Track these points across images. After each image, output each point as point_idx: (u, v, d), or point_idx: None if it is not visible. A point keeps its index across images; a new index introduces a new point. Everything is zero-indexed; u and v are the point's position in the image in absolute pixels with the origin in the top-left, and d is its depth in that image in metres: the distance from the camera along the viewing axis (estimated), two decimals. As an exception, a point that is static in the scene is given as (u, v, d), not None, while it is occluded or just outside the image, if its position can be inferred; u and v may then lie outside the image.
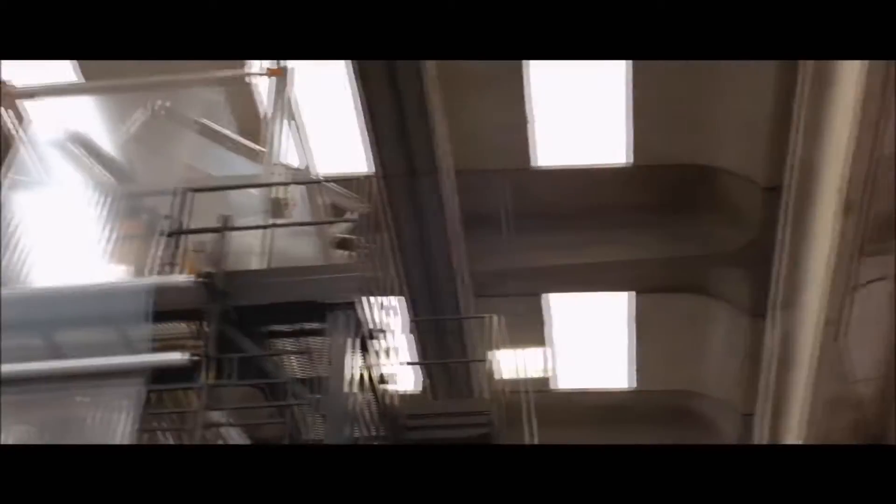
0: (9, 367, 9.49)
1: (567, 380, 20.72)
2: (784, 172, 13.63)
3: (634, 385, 20.55)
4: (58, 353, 9.71)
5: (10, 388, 9.47)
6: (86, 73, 14.94)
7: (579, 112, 15.75)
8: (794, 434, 14.66)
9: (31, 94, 12.51)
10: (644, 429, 20.72)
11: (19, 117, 12.46)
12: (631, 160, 16.27)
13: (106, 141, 12.02)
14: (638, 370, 20.21)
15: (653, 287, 18.36)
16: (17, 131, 12.26)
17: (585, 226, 17.12)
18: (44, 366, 9.53)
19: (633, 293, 18.70)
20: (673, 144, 15.94)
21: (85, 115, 12.30)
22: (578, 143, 16.24)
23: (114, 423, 9.07)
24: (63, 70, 14.91)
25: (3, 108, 12.22)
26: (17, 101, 12.50)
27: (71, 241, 10.47)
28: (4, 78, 12.33)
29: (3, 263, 10.28)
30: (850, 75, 10.34)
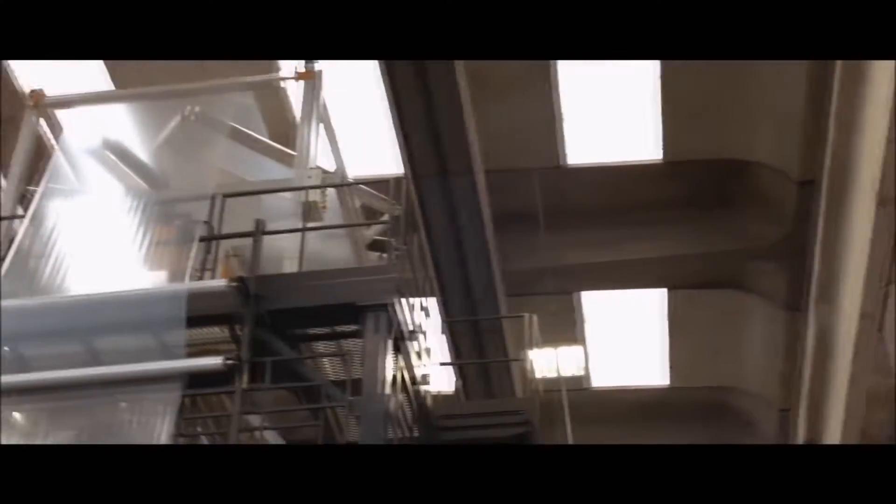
0: (48, 375, 9.60)
1: (602, 378, 20.68)
2: (818, 166, 13.56)
3: (671, 382, 20.47)
4: (96, 360, 9.78)
5: (49, 394, 9.58)
6: (118, 82, 15.07)
7: (610, 109, 15.71)
8: (832, 429, 14.58)
9: (66, 103, 12.61)
10: (681, 425, 20.66)
11: (54, 127, 12.57)
12: (662, 156, 16.20)
13: (139, 148, 12.09)
14: (673, 367, 20.14)
15: (687, 283, 18.29)
16: (52, 140, 12.38)
17: (618, 223, 17.07)
18: (82, 372, 9.61)
19: (668, 290, 18.63)
20: (704, 139, 15.87)
21: (118, 123, 12.38)
22: (609, 140, 16.19)
23: (151, 428, 9.14)
24: (96, 79, 15.06)
25: (38, 118, 12.33)
26: (52, 111, 12.60)
27: (107, 248, 10.55)
28: (39, 88, 12.43)
29: (42, 272, 10.38)
30: (886, 68, 10.26)
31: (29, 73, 15.05)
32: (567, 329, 19.07)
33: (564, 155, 16.32)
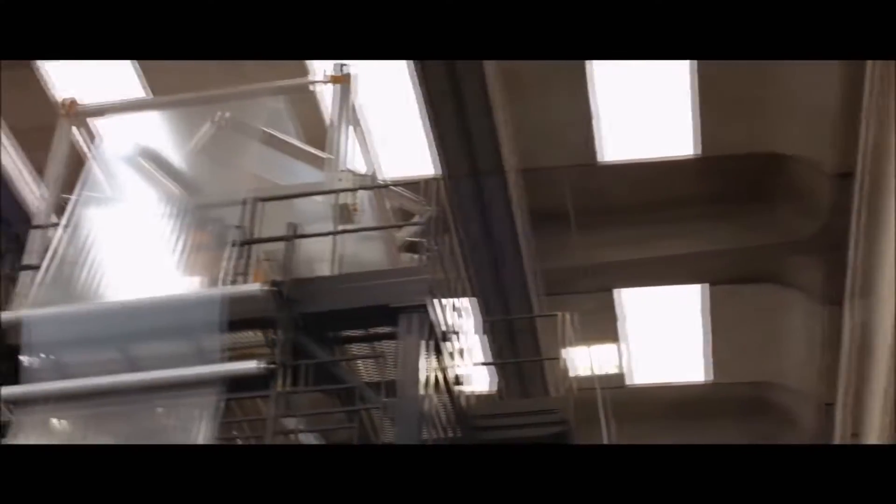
0: (87, 382, 9.69)
1: (642, 375, 20.58)
2: (855, 158, 13.43)
3: (710, 378, 20.35)
4: (133, 366, 9.86)
5: (89, 401, 9.67)
6: (151, 89, 15.19)
7: (644, 104, 15.63)
8: (875, 423, 14.42)
9: (101, 111, 12.72)
10: (722, 422, 20.54)
11: (90, 135, 12.68)
12: (698, 151, 16.11)
13: (173, 154, 12.17)
14: (713, 363, 20.01)
15: (725, 278, 18.18)
16: (88, 149, 12.49)
17: (655, 219, 17.00)
18: (121, 378, 9.69)
19: (706, 285, 18.52)
20: (740, 133, 15.76)
21: (152, 130, 12.47)
22: (644, 136, 16.12)
23: (189, 433, 9.20)
24: (129, 86, 15.18)
25: (74, 127, 12.44)
26: (88, 120, 12.71)
27: (142, 255, 10.63)
28: (71, 97, 12.55)
29: (79, 279, 10.48)
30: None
31: (63, 82, 15.23)
32: (606, 327, 19.01)
33: (599, 152, 16.26)
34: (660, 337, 19.81)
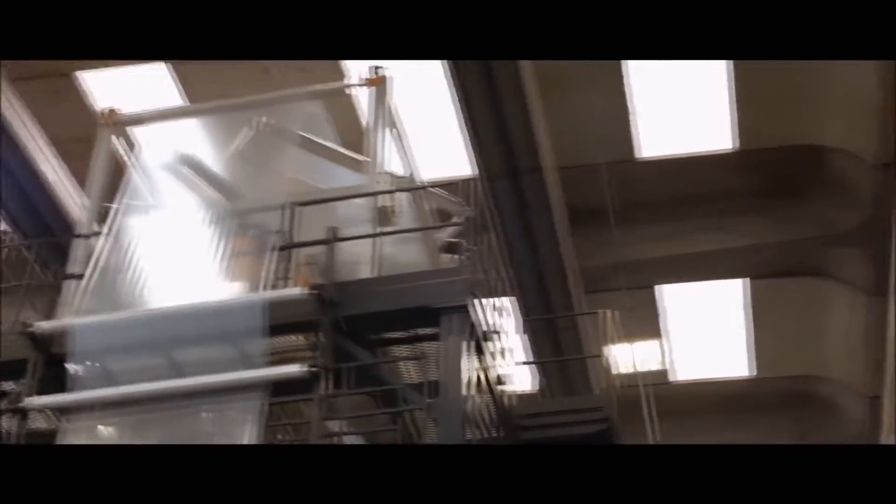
0: (133, 388, 9.76)
1: (685, 371, 20.49)
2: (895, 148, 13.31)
3: (753, 373, 20.22)
4: (178, 372, 9.92)
5: (135, 407, 9.74)
6: (190, 96, 15.31)
7: (681, 99, 15.57)
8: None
9: (140, 120, 12.82)
10: (766, 417, 20.42)
11: (130, 144, 12.79)
12: (737, 145, 16.02)
13: (212, 160, 12.25)
14: (757, 357, 19.89)
15: (767, 272, 18.06)
16: (128, 157, 12.59)
17: (694, 214, 16.92)
18: (166, 384, 9.76)
19: (748, 280, 18.41)
20: (779, 126, 15.66)
21: (191, 137, 12.56)
22: (682, 131, 16.05)
23: (235, 437, 9.24)
24: (167, 94, 15.31)
25: (112, 136, 12.55)
26: (127, 129, 12.82)
27: (185, 261, 10.70)
28: (111, 106, 12.66)
29: (123, 287, 10.57)
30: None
31: (102, 92, 15.39)
32: (648, 323, 18.93)
33: (637, 148, 16.21)
34: (701, 332, 19.72)
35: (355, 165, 12.21)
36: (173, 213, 11.48)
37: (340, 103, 14.13)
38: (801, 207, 16.53)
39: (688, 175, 16.50)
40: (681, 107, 15.68)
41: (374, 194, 11.03)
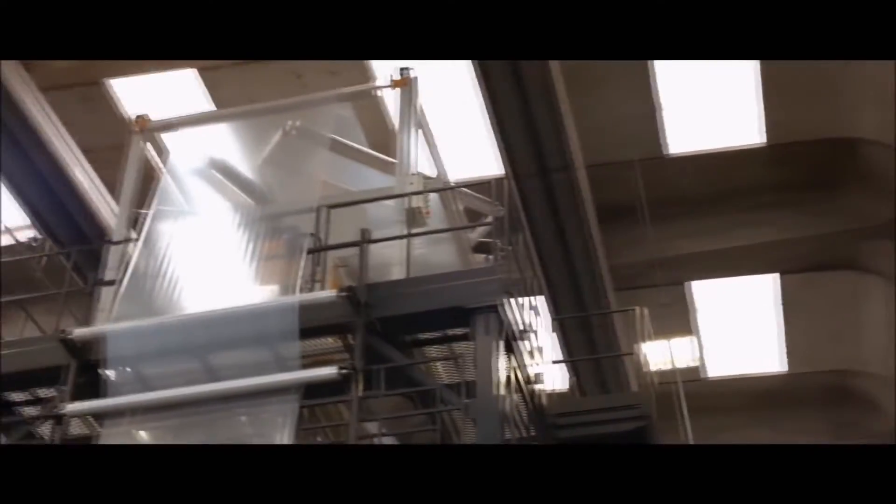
0: (170, 393, 9.81)
1: (719, 367, 20.40)
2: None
3: (788, 368, 20.11)
4: (213, 376, 9.96)
5: (172, 412, 9.79)
6: (218, 102, 15.37)
7: (709, 94, 15.51)
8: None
9: (172, 126, 12.87)
10: (802, 411, 20.30)
11: (160, 150, 12.85)
12: (766, 139, 15.94)
13: (243, 165, 12.29)
14: (791, 352, 19.78)
15: (800, 267, 17.96)
16: (159, 164, 12.65)
17: (725, 210, 16.86)
18: (202, 388, 9.79)
19: (780, 274, 18.30)
20: (809, 119, 15.58)
21: (221, 142, 12.60)
22: (711, 126, 15.99)
23: (271, 439, 9.27)
24: (196, 100, 15.39)
25: (144, 143, 12.61)
26: (157, 135, 12.88)
27: (218, 266, 10.74)
28: (143, 113, 12.72)
29: (157, 292, 10.62)
30: None
31: (130, 100, 15.49)
32: (680, 320, 18.86)
33: (666, 144, 16.16)
34: (734, 328, 19.63)
35: (385, 167, 12.22)
36: (205, 217, 11.53)
37: (366, 105, 14.16)
38: (834, 200, 16.43)
39: (717, 170, 16.43)
40: (708, 102, 15.63)
41: (406, 195, 11.03)
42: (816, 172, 16.24)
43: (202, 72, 15.34)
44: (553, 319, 15.90)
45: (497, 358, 9.54)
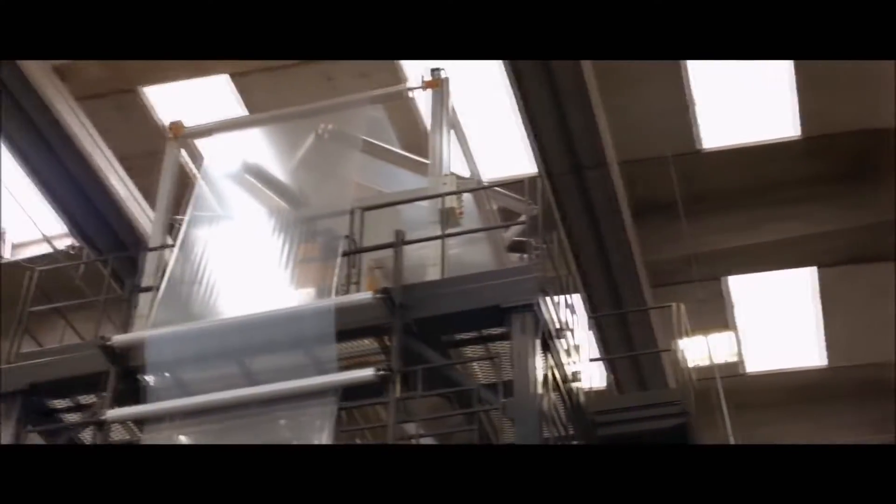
0: (209, 397, 9.87)
1: (757, 362, 20.27)
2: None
3: (828, 362, 19.95)
4: (251, 380, 10.00)
5: (212, 416, 9.84)
6: (251, 107, 15.43)
7: (743, 88, 15.42)
8: None
9: (207, 132, 12.94)
10: (842, 406, 20.13)
11: (194, 156, 12.92)
12: (800, 132, 15.83)
13: (277, 169, 12.33)
14: (830, 346, 19.62)
15: (837, 260, 17.81)
16: (194, 169, 12.72)
17: (761, 204, 16.75)
18: (241, 392, 9.85)
19: (818, 268, 18.17)
20: (843, 110, 15.44)
21: (255, 147, 12.65)
22: (745, 120, 15.89)
23: (310, 443, 9.30)
24: (229, 105, 15.46)
25: (179, 149, 12.69)
26: (191, 141, 12.96)
27: (254, 270, 10.79)
28: (178, 120, 12.79)
29: (194, 297, 10.68)
30: None
31: (164, 107, 15.58)
32: (717, 315, 18.76)
33: (700, 139, 16.08)
34: (772, 323, 19.50)
35: (418, 168, 12.23)
36: (240, 222, 11.58)
37: (398, 107, 14.18)
38: (870, 192, 16.27)
39: (752, 164, 16.33)
40: (742, 95, 15.53)
41: (440, 196, 11.04)
42: (852, 164, 16.10)
43: (234, 77, 15.40)
44: (589, 317, 15.84)
45: (534, 357, 9.54)
